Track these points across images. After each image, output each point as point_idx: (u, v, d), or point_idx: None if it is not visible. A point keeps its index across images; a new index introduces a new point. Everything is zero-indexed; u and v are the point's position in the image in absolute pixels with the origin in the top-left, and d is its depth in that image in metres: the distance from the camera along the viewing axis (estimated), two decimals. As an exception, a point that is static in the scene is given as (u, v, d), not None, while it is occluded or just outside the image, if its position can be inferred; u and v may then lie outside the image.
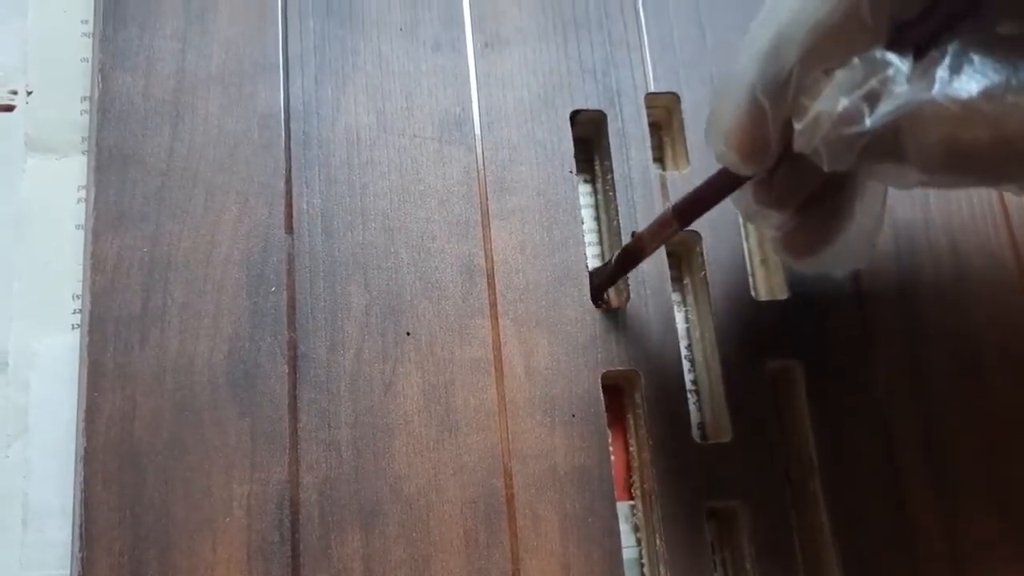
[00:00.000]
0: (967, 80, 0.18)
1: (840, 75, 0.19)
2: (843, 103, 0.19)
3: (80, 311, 0.28)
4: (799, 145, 0.20)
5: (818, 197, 0.23)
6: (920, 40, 0.19)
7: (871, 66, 0.19)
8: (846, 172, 0.21)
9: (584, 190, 0.32)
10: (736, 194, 0.24)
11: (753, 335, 0.29)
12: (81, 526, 0.25)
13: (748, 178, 0.23)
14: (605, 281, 0.29)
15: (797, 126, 0.20)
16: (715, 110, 0.22)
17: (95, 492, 0.25)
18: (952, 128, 0.18)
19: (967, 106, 0.18)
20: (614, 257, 0.28)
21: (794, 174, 0.22)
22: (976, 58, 0.18)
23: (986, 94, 0.18)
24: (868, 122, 0.19)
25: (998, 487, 0.28)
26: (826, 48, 0.20)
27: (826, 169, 0.20)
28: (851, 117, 0.19)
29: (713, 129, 0.22)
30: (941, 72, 0.18)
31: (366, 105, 0.30)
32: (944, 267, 0.30)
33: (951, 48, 0.19)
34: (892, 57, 0.19)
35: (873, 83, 0.19)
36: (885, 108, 0.19)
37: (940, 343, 0.29)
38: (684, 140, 0.31)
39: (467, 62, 0.31)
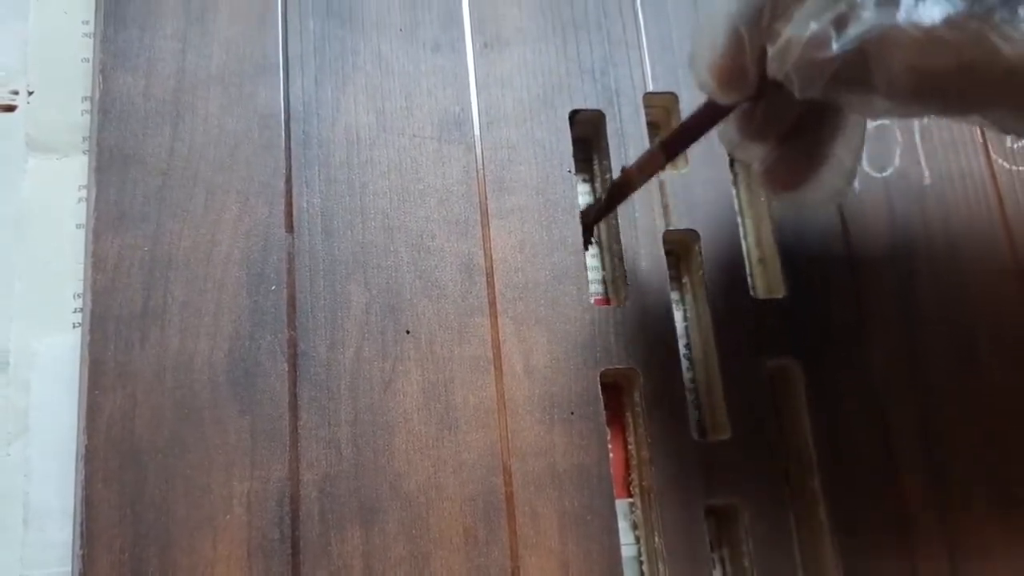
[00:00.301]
0: (931, 6, 0.19)
1: (811, 1, 0.20)
2: (812, 27, 0.19)
3: (81, 310, 0.28)
4: (772, 70, 0.21)
5: (799, 130, 0.24)
6: None
7: None
8: (824, 107, 0.21)
9: (583, 189, 0.32)
10: (721, 127, 0.25)
11: (751, 333, 0.29)
12: (82, 524, 0.25)
13: (731, 109, 0.24)
14: (595, 216, 0.29)
15: (770, 51, 0.20)
16: (697, 42, 0.22)
17: (96, 490, 0.25)
18: (916, 55, 0.19)
19: (930, 33, 0.18)
20: (603, 192, 0.28)
21: (775, 106, 0.23)
22: None
23: (949, 21, 0.18)
24: (835, 46, 0.19)
25: (997, 484, 0.28)
26: None
27: (797, 95, 0.20)
28: (819, 41, 0.19)
29: (695, 60, 0.22)
30: None
31: (366, 105, 0.30)
32: (941, 263, 0.30)
33: None
34: None
35: (842, 7, 0.19)
36: (852, 32, 0.19)
37: (938, 339, 0.30)
38: (682, 140, 0.31)
39: (466, 62, 0.31)
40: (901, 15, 0.19)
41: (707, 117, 0.25)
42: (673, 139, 0.26)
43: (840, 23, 0.19)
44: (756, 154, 0.25)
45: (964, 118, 0.21)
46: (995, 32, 0.18)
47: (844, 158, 0.24)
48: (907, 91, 0.19)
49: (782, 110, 0.23)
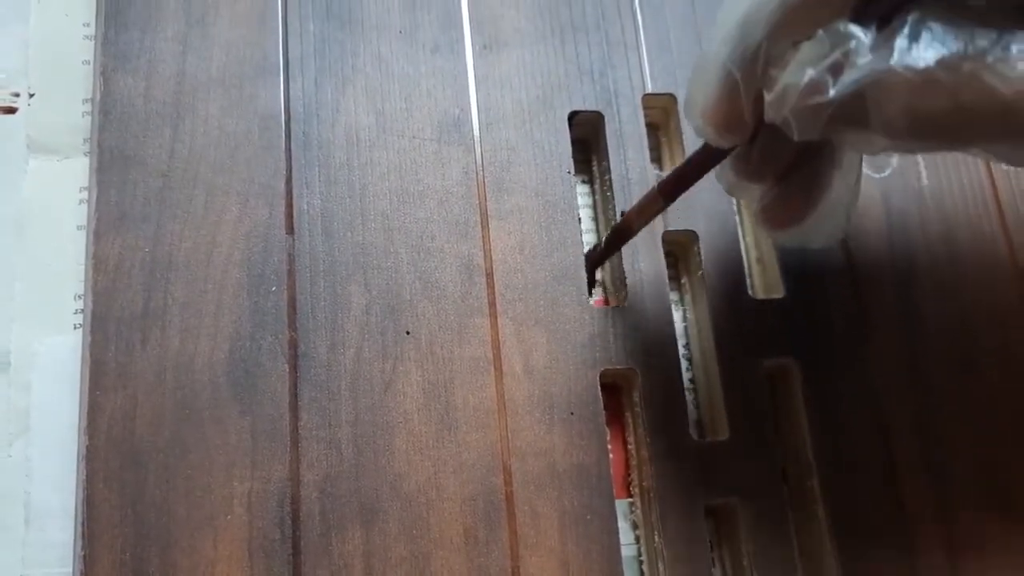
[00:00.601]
0: (925, 49, 0.19)
1: (805, 48, 0.20)
2: (808, 74, 0.20)
3: (82, 311, 0.28)
4: (769, 116, 0.21)
5: (796, 169, 0.24)
6: (884, 11, 0.20)
7: (835, 38, 0.20)
8: (821, 144, 0.21)
9: (582, 190, 0.32)
10: (718, 168, 0.25)
11: (750, 333, 0.29)
12: (83, 524, 0.25)
13: (728, 152, 0.24)
14: (596, 261, 0.29)
15: (767, 98, 0.21)
16: (692, 87, 0.23)
17: (97, 490, 0.25)
18: (911, 97, 0.19)
19: (924, 75, 0.19)
20: (604, 238, 0.28)
21: (771, 147, 0.23)
22: (935, 27, 0.19)
23: (943, 63, 0.19)
24: (832, 92, 0.19)
25: (996, 484, 0.28)
26: (792, 22, 0.20)
27: (796, 139, 0.20)
28: (816, 88, 0.20)
29: (691, 105, 0.23)
30: (900, 42, 0.19)
31: (366, 107, 0.30)
32: (939, 261, 0.30)
33: (911, 18, 0.19)
34: (855, 29, 0.19)
35: (836, 55, 0.19)
36: (848, 78, 0.19)
37: (937, 339, 0.30)
38: (681, 140, 0.31)
39: (466, 64, 0.31)
40: (895, 58, 0.19)
41: (704, 160, 0.25)
42: (671, 183, 0.26)
43: (836, 69, 0.19)
44: (754, 194, 0.25)
45: (965, 151, 0.21)
46: (989, 72, 0.18)
47: (842, 194, 0.24)
48: (904, 132, 0.19)
49: (778, 150, 0.23)
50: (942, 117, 0.19)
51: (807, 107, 0.20)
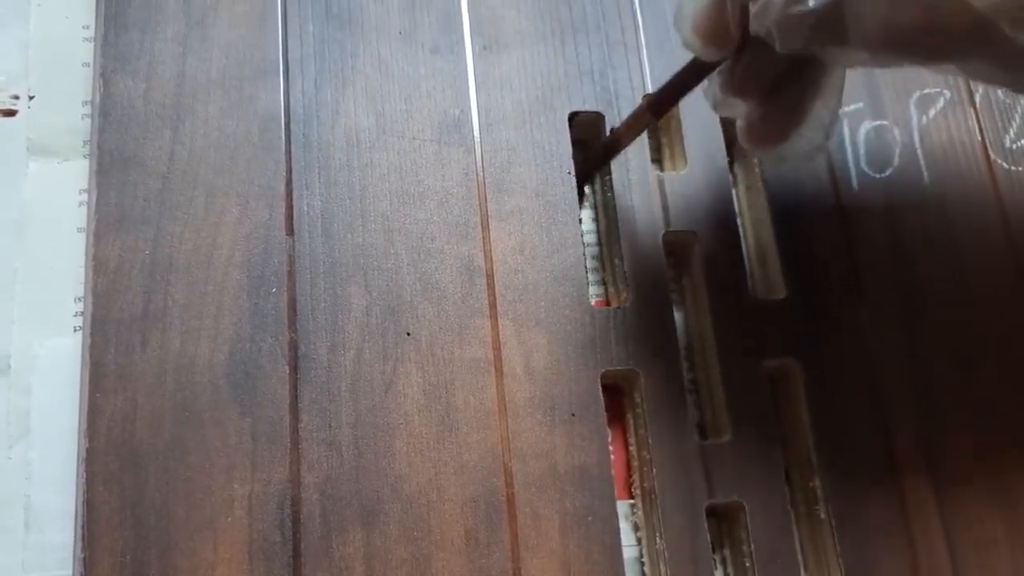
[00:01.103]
0: None
1: None
2: None
3: (82, 313, 0.28)
4: (754, 27, 0.22)
5: (779, 88, 0.25)
6: None
7: None
8: (804, 66, 0.23)
9: (582, 191, 0.32)
10: (705, 85, 0.26)
11: (751, 334, 0.29)
12: (83, 527, 0.25)
13: (714, 67, 0.25)
14: (587, 174, 0.31)
15: (752, 9, 0.22)
16: (681, 2, 0.24)
17: (97, 493, 0.25)
18: (888, 8, 0.20)
19: None
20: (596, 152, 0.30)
21: (756, 63, 0.24)
22: None
23: None
24: (812, 2, 0.20)
25: (997, 483, 0.28)
26: None
27: (779, 49, 0.21)
28: None
29: (680, 18, 0.24)
30: None
31: (366, 108, 0.30)
32: (942, 261, 0.30)
33: None
34: None
35: None
36: None
37: (938, 338, 0.30)
38: (682, 141, 0.31)
39: (466, 65, 0.31)
40: None
41: (691, 75, 0.26)
42: (659, 98, 0.27)
43: None
44: (739, 111, 0.26)
45: (940, 67, 0.21)
46: None
47: (822, 115, 0.25)
48: (881, 43, 0.20)
49: (763, 67, 0.24)
50: (917, 29, 0.20)
51: (789, 17, 0.21)
